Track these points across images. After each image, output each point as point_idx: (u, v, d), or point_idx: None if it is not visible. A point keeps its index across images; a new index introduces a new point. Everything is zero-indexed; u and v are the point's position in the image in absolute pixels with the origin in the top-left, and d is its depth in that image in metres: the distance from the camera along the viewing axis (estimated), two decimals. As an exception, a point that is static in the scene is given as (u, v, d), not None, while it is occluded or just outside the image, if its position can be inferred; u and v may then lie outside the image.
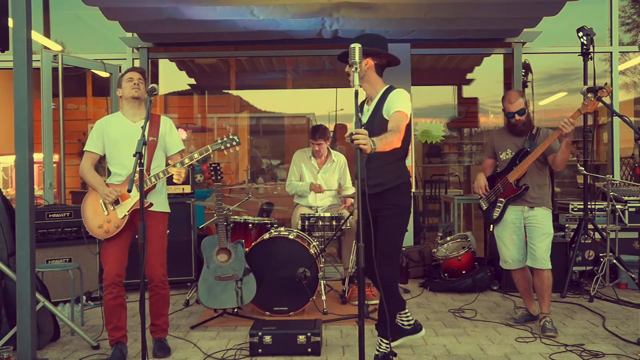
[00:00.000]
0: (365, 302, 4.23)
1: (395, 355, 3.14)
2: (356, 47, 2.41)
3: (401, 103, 2.89)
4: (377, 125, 2.92)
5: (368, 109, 3.07)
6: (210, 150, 3.32)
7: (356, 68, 2.39)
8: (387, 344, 3.11)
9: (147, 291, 3.42)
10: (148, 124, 3.29)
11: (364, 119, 3.02)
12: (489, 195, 3.90)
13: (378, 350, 3.15)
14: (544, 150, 3.62)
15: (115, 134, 3.34)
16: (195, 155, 3.28)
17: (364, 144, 2.37)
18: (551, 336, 3.64)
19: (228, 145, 3.34)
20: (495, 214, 3.84)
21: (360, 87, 2.82)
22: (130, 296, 3.45)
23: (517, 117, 3.74)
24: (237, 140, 3.35)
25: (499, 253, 3.92)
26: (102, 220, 3.27)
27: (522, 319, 3.89)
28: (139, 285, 2.75)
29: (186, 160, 3.27)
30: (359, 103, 2.50)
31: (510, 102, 3.74)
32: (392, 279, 3.05)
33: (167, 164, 3.44)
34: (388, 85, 3.05)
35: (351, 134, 2.38)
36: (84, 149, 3.39)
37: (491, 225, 3.92)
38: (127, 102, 3.39)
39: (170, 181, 3.41)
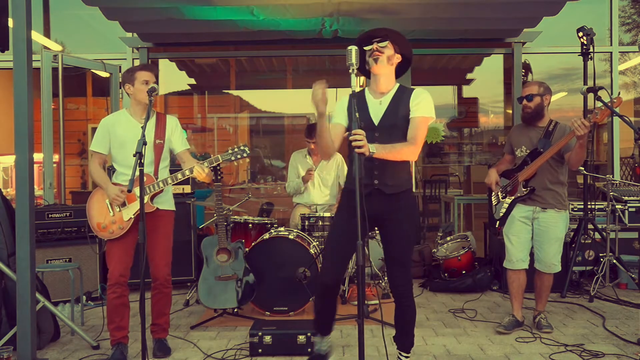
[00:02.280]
0: (365, 302, 4.23)
1: None
2: (352, 49, 2.40)
3: (431, 108, 2.76)
4: (400, 119, 2.76)
5: (381, 102, 2.81)
6: (221, 160, 3.34)
7: (353, 70, 2.39)
8: (406, 357, 2.94)
9: (149, 290, 3.43)
10: (149, 124, 3.34)
11: (380, 113, 2.79)
12: (499, 192, 3.88)
13: None
14: (556, 152, 3.56)
15: (122, 134, 3.31)
16: (205, 164, 3.30)
17: (361, 145, 2.36)
18: (547, 332, 3.68)
19: (238, 156, 3.36)
20: (501, 212, 3.81)
21: (374, 78, 2.80)
22: (131, 296, 3.47)
23: (525, 102, 3.72)
24: (248, 152, 3.39)
25: (505, 252, 3.83)
26: (107, 221, 3.27)
27: (510, 326, 3.75)
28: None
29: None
30: (357, 88, 2.45)
31: (524, 86, 3.76)
32: (411, 284, 2.88)
33: (173, 166, 3.45)
34: (398, 83, 2.90)
35: (349, 134, 2.37)
36: (90, 149, 3.38)
37: (497, 222, 3.89)
38: (136, 102, 3.34)
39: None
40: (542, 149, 3.62)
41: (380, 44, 2.74)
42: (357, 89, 2.43)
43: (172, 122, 3.46)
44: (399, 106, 2.77)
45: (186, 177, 3.27)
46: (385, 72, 2.80)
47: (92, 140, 3.40)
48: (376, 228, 3.01)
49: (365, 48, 2.76)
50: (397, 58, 2.82)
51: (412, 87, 2.87)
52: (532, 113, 3.71)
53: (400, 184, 2.78)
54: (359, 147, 2.36)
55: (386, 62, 2.75)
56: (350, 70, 2.40)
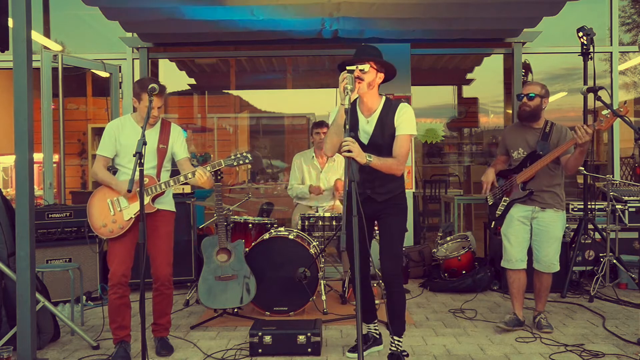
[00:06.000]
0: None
1: (407, 355, 3.24)
2: (349, 76, 2.72)
3: (413, 125, 3.01)
4: (387, 138, 3.01)
5: (369, 121, 3.06)
6: (223, 165, 3.39)
7: (348, 93, 2.66)
8: (399, 341, 3.16)
9: (151, 290, 3.44)
10: (153, 129, 3.39)
11: (368, 134, 3.05)
12: (496, 192, 3.88)
13: (391, 349, 3.20)
14: (556, 157, 3.55)
15: (126, 141, 3.35)
16: (208, 168, 3.33)
17: (350, 149, 2.57)
18: (547, 332, 3.68)
19: (241, 162, 3.42)
20: (498, 212, 3.81)
21: (360, 98, 3.05)
22: (131, 296, 3.48)
23: (525, 99, 3.69)
24: (250, 158, 3.44)
25: (503, 252, 3.83)
26: (107, 219, 3.28)
27: (512, 323, 3.76)
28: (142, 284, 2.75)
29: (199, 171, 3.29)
30: (348, 106, 2.63)
31: (526, 85, 3.74)
32: (400, 273, 3.15)
33: (174, 171, 3.48)
34: (384, 96, 3.10)
35: (340, 143, 2.60)
36: (96, 153, 3.41)
37: (493, 222, 3.89)
38: (141, 114, 3.39)
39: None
40: (541, 152, 3.62)
41: (362, 67, 2.92)
42: (347, 106, 2.62)
43: (176, 130, 3.52)
44: (385, 125, 3.02)
45: (188, 179, 3.30)
46: (369, 93, 3.01)
47: (98, 144, 3.43)
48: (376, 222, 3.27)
49: (347, 68, 2.92)
50: (380, 78, 3.04)
51: (399, 100, 3.10)
52: (530, 112, 3.68)
53: (390, 191, 3.08)
54: (349, 151, 2.58)
55: (366, 88, 2.97)
56: (345, 94, 2.67)
